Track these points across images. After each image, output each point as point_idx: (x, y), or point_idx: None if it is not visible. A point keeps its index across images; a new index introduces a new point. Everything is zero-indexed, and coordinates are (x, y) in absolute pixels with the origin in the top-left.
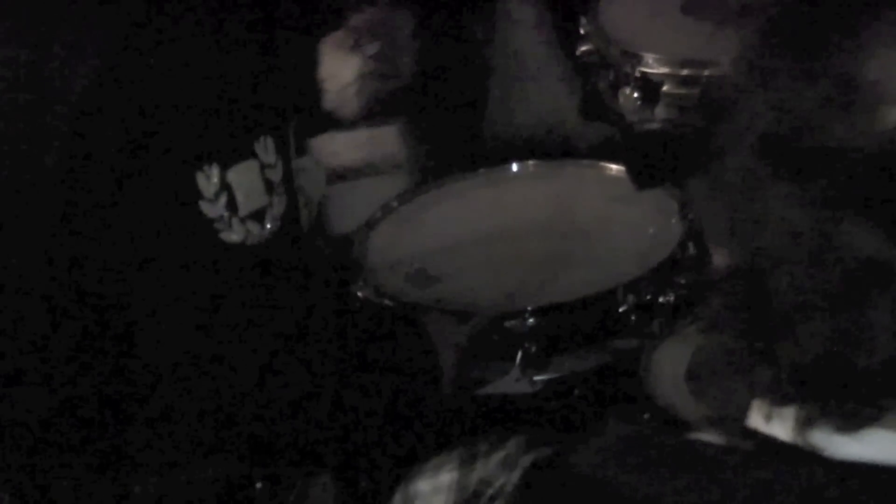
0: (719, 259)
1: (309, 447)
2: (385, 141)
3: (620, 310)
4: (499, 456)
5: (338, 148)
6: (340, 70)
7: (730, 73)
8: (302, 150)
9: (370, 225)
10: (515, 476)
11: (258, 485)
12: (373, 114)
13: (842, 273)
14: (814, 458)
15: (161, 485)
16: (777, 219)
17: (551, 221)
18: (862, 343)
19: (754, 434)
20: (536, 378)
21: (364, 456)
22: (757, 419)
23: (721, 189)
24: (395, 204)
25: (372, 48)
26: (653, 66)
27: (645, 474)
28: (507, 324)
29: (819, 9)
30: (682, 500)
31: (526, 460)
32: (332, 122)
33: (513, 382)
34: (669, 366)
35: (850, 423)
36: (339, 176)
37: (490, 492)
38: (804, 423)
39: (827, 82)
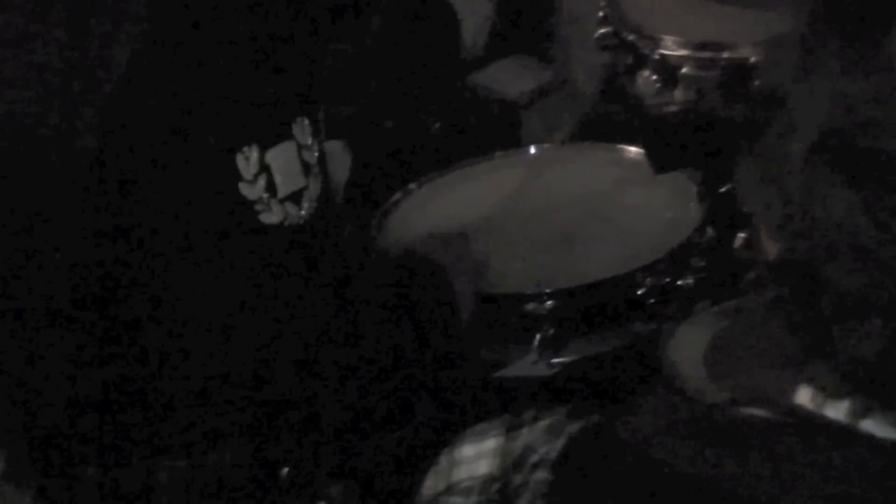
0: (771, 248)
1: (335, 426)
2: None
3: (638, 293)
4: (544, 424)
5: (512, 75)
6: (475, 7)
7: (780, 58)
8: (329, 134)
9: (388, 208)
10: (560, 444)
11: (283, 470)
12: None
13: None
14: (866, 440)
15: (186, 470)
16: (835, 217)
17: (569, 204)
18: None
19: (802, 411)
20: (554, 361)
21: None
22: (804, 397)
23: (775, 180)
24: (412, 187)
25: None
26: (671, 49)
27: (694, 447)
28: (525, 307)
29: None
30: (726, 472)
31: (570, 429)
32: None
33: (530, 365)
34: (687, 349)
35: None
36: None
37: (534, 458)
38: (858, 412)
39: (886, 80)
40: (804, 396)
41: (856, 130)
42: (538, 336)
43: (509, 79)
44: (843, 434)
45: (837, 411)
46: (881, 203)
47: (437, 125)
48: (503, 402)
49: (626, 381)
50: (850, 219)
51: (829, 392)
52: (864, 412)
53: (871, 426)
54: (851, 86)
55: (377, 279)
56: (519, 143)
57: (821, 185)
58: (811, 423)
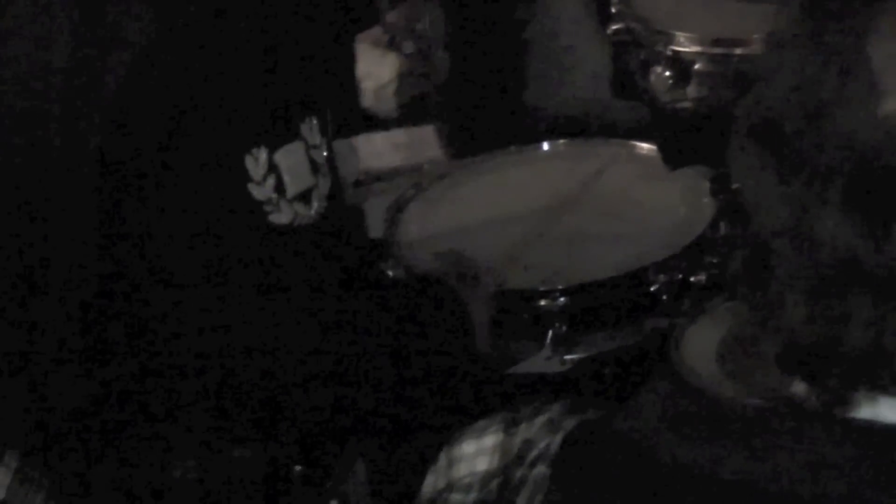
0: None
1: (350, 427)
2: (425, 141)
3: (651, 289)
4: (542, 419)
5: (378, 149)
6: (378, 69)
7: (762, 48)
8: (337, 133)
9: (400, 204)
10: (558, 439)
11: (297, 468)
12: (410, 114)
13: (821, 264)
14: (853, 426)
15: (200, 468)
16: (765, 198)
17: (582, 200)
18: (840, 332)
19: (794, 401)
20: (567, 357)
21: (403, 429)
22: (798, 387)
23: (740, 156)
24: (425, 183)
25: (409, 47)
26: (684, 45)
27: (688, 439)
28: (538, 303)
29: None
30: (725, 464)
31: (569, 423)
32: (368, 122)
33: (543, 361)
34: (700, 345)
35: (840, 401)
36: (377, 177)
37: (533, 454)
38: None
39: (831, 60)
40: (798, 386)
41: (793, 112)
42: (551, 333)
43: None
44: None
45: (804, 393)
46: (807, 187)
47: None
48: (503, 399)
49: (638, 378)
50: (779, 203)
51: (782, 368)
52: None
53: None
54: (800, 64)
55: (392, 294)
56: None
57: (757, 167)
58: (806, 413)
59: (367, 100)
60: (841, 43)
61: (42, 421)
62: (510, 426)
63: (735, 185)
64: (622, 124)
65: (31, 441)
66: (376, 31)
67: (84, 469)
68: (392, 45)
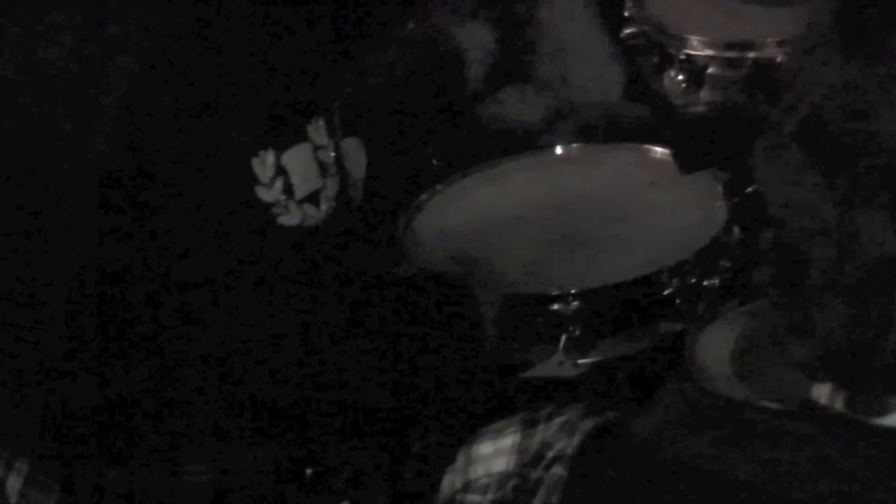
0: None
1: (360, 429)
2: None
3: (665, 293)
4: (560, 420)
5: (517, 105)
6: (473, 38)
7: (791, 51)
8: (345, 133)
9: (415, 207)
10: (576, 440)
11: (308, 470)
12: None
13: (863, 266)
14: (872, 430)
15: (211, 471)
16: (808, 199)
17: (596, 204)
18: (881, 334)
19: (812, 405)
20: (580, 361)
21: (414, 430)
22: (818, 392)
23: (772, 161)
24: (439, 187)
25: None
26: (698, 49)
27: (704, 441)
28: (551, 307)
29: None
30: (743, 467)
31: (587, 425)
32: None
33: (556, 366)
34: (714, 349)
35: (874, 406)
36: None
37: (550, 455)
38: (843, 398)
39: (874, 67)
40: (818, 390)
41: (837, 113)
42: (564, 337)
43: (520, 106)
44: (853, 427)
45: (828, 395)
46: (851, 191)
47: (436, 163)
48: (521, 400)
49: (652, 382)
50: (820, 206)
51: (809, 374)
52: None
53: (863, 412)
54: (842, 70)
55: (403, 292)
56: None
57: (797, 170)
58: (823, 416)
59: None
60: (882, 47)
61: (52, 426)
62: (528, 427)
63: (752, 189)
64: (628, 126)
65: (41, 446)
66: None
67: (95, 474)
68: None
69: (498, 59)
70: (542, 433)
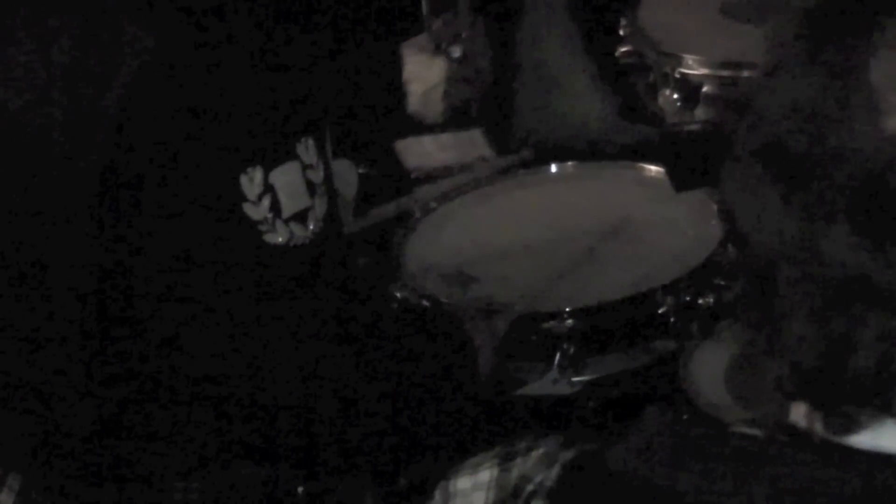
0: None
1: (349, 449)
2: (473, 143)
3: (659, 311)
4: (538, 453)
5: (428, 149)
6: (425, 73)
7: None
8: (336, 153)
9: (409, 226)
10: (554, 473)
11: (300, 488)
12: (454, 119)
13: (827, 283)
14: (850, 454)
15: (203, 489)
16: (769, 220)
17: (590, 222)
18: (848, 351)
19: (791, 429)
20: (575, 379)
21: (403, 455)
22: (797, 415)
23: (737, 180)
24: (433, 205)
25: (456, 51)
26: (692, 68)
27: (684, 469)
28: (546, 325)
29: (837, 9)
30: (721, 495)
31: (565, 457)
32: (413, 127)
33: (551, 384)
34: (708, 367)
35: (846, 424)
36: (428, 177)
37: (529, 488)
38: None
39: (832, 80)
40: (794, 408)
41: (796, 131)
42: (559, 355)
43: (432, 151)
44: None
45: (805, 414)
46: (811, 206)
47: None
48: (499, 431)
49: (647, 400)
50: (782, 222)
51: (784, 394)
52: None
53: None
54: (800, 85)
55: (395, 319)
56: None
57: (759, 187)
58: (803, 442)
59: (414, 104)
60: (841, 63)
61: (44, 443)
62: (505, 461)
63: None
64: (614, 146)
65: (33, 463)
66: (422, 37)
67: (86, 491)
68: (438, 50)
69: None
70: (519, 467)
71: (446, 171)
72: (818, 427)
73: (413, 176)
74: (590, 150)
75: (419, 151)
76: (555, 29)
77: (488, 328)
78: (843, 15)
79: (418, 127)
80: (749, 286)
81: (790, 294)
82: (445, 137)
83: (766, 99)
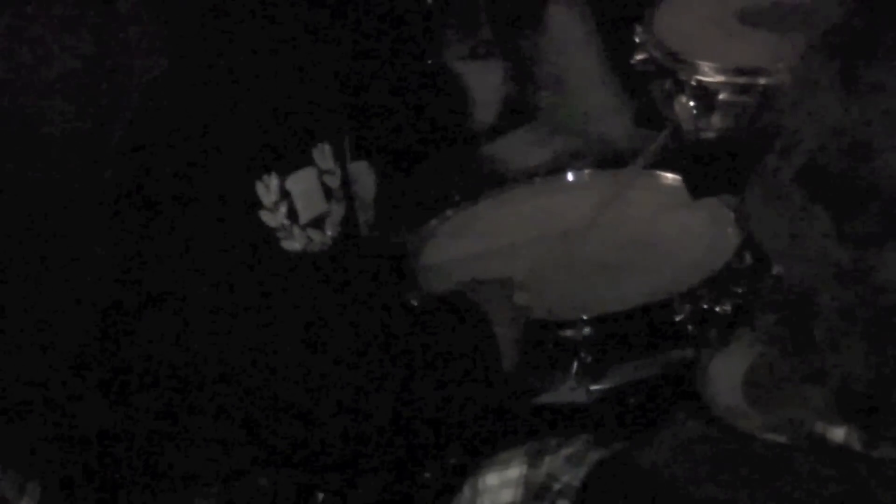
0: (778, 272)
1: (369, 452)
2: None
3: (677, 319)
4: (566, 452)
5: (524, 149)
6: (484, 78)
7: (783, 85)
8: (355, 156)
9: (426, 233)
10: (582, 472)
11: (319, 495)
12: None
13: (880, 307)
14: (879, 463)
15: (221, 497)
16: (816, 245)
17: (606, 230)
18: None
19: (817, 438)
20: (592, 388)
21: (425, 457)
22: (824, 428)
23: (771, 207)
24: (449, 213)
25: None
26: (709, 75)
27: (710, 472)
28: (563, 333)
29: (871, 23)
30: (748, 500)
31: (593, 457)
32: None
33: (568, 392)
34: (726, 374)
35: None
36: (529, 176)
37: (557, 486)
38: (861, 439)
39: (874, 104)
40: (836, 433)
41: (839, 155)
42: (576, 363)
43: (525, 150)
44: (859, 460)
45: (844, 436)
46: (857, 230)
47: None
48: (529, 429)
49: (664, 408)
50: (831, 248)
51: (825, 418)
52: (864, 438)
53: (880, 450)
54: (840, 110)
55: (416, 319)
56: None
57: (802, 212)
58: (826, 450)
59: (479, 110)
60: (877, 84)
61: (63, 451)
62: (534, 458)
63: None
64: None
65: (53, 471)
66: (475, 44)
67: (107, 499)
68: (488, 56)
69: (510, 98)
70: (548, 465)
71: (548, 165)
72: (851, 441)
73: (510, 177)
74: (611, 157)
75: (515, 152)
76: (575, 37)
77: (510, 315)
78: (872, 30)
79: (469, 131)
80: (786, 314)
81: (837, 321)
82: (528, 135)
83: (801, 121)
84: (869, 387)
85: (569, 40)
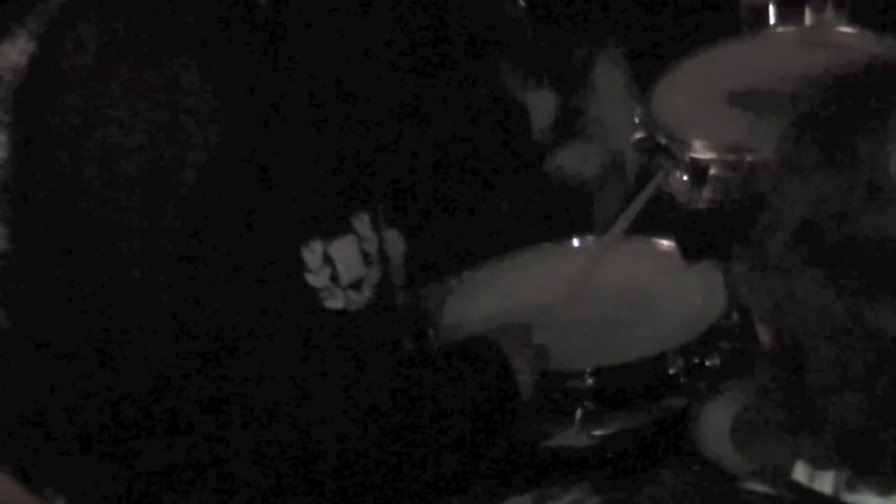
0: (764, 335)
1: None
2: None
3: (671, 371)
4: (569, 498)
5: (581, 158)
6: (545, 102)
7: (769, 162)
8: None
9: (443, 295)
10: None
11: None
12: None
13: (874, 352)
14: None
15: None
16: (812, 302)
17: (609, 291)
18: (892, 416)
19: (798, 487)
20: (595, 433)
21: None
22: (800, 473)
23: (762, 271)
24: (466, 274)
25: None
26: (700, 152)
27: None
28: (569, 383)
29: (849, 104)
30: None
31: (593, 502)
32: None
33: (573, 436)
34: (715, 422)
35: (889, 489)
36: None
37: None
38: (845, 484)
39: (855, 175)
40: (798, 466)
41: (834, 223)
42: (580, 410)
43: (580, 162)
44: None
45: (826, 478)
46: (850, 285)
47: (506, 205)
48: (535, 475)
49: (660, 451)
50: (826, 300)
51: (819, 464)
52: (850, 483)
53: (858, 497)
54: (824, 182)
55: (437, 363)
56: (591, 225)
57: (799, 269)
58: (809, 499)
59: (537, 134)
60: (855, 154)
61: (119, 484)
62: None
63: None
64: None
65: (79, 492)
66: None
67: None
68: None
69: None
70: None
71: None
72: (824, 486)
73: (572, 185)
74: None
75: (573, 163)
76: (617, 92)
77: (531, 355)
78: (849, 112)
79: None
80: (782, 368)
81: (830, 369)
82: (584, 147)
83: (785, 197)
84: (863, 430)
85: (611, 93)
